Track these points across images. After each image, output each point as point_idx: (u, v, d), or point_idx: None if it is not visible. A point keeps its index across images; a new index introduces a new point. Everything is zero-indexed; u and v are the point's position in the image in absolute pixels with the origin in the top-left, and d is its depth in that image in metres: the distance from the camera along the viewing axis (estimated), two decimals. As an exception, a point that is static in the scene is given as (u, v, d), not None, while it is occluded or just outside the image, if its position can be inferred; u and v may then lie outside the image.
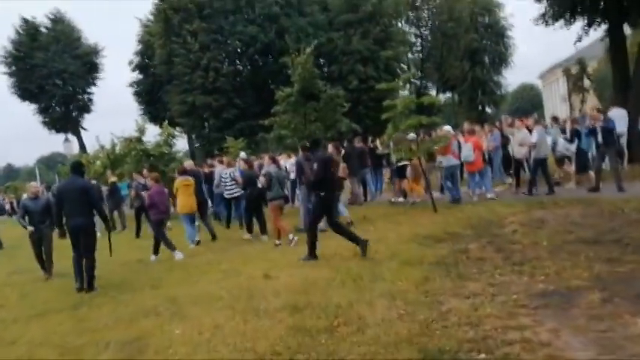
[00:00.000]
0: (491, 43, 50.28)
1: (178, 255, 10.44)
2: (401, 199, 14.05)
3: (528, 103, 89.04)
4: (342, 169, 11.59)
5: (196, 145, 42.20)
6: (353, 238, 8.23)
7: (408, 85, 38.19)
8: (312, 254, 8.28)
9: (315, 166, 8.37)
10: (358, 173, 14.72)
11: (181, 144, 40.20)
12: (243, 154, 15.38)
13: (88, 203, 8.53)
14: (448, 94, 53.19)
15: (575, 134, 13.31)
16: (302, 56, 15.39)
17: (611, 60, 17.02)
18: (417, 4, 44.84)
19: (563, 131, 14.12)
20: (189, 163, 14.25)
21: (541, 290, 5.45)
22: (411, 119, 11.34)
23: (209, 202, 14.30)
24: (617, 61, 16.37)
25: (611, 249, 6.80)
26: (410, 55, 44.59)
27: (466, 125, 14.26)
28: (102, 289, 8.48)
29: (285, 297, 6.06)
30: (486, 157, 13.58)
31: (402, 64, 40.00)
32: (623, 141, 13.36)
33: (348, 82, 34.85)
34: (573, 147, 13.29)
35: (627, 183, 12.10)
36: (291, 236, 10.34)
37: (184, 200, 11.80)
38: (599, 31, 17.39)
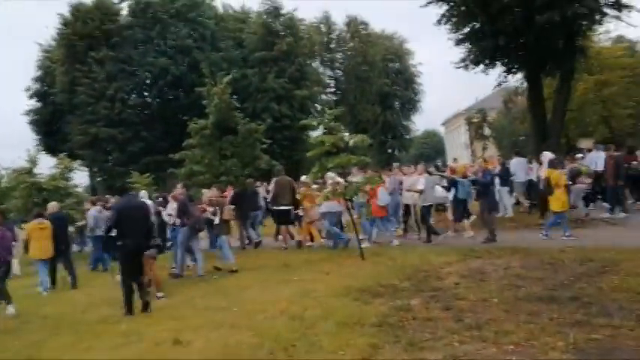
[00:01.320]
0: (401, 89, 51.71)
1: (10, 310, 9.25)
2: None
3: (432, 149, 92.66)
4: (227, 211, 11.50)
5: (98, 179, 39.25)
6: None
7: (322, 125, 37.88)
8: (128, 309, 7.89)
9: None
10: (249, 216, 13.85)
11: (81, 178, 37.17)
12: (143, 193, 13.73)
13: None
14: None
15: (453, 183, 13.00)
16: (219, 86, 14.19)
17: (530, 108, 17.30)
18: (331, 45, 45.29)
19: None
20: (52, 205, 12.58)
21: (516, 365, 4.54)
22: (339, 158, 10.44)
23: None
24: (535, 109, 16.60)
25: (572, 309, 6.07)
26: (324, 97, 44.57)
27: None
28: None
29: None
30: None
31: (316, 104, 39.77)
32: (523, 189, 13.11)
33: (262, 119, 33.92)
34: (450, 195, 13.10)
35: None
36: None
37: (37, 245, 11.33)
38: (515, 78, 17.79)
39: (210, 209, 11.30)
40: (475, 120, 55.44)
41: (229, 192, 14.12)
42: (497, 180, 15.44)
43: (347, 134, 11.02)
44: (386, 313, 6.57)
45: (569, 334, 5.16)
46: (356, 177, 12.33)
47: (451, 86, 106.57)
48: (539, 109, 16.49)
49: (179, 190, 11.33)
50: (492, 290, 7.29)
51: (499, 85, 17.98)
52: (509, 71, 17.12)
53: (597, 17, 15.44)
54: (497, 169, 15.65)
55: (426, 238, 12.51)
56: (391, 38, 51.89)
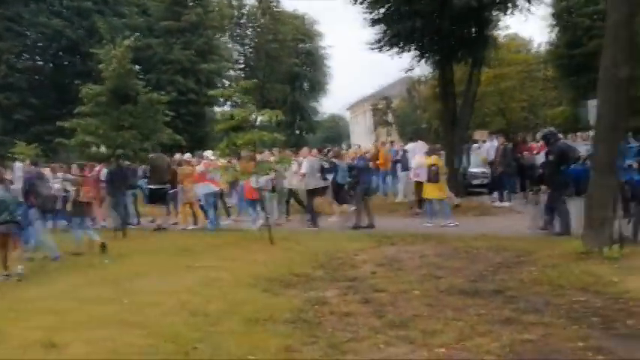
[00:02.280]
0: (310, 70, 51.15)
1: None
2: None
3: (337, 133, 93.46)
4: (85, 192, 10.32)
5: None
6: None
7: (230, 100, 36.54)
8: None
9: None
10: (118, 196, 12.71)
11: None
12: (18, 165, 12.12)
13: None
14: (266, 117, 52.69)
15: (334, 168, 12.73)
16: (118, 49, 12.71)
17: (440, 94, 17.21)
18: (241, 21, 43.72)
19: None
20: None
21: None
22: (250, 134, 9.59)
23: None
24: (445, 96, 16.55)
25: (499, 304, 5.71)
26: (232, 72, 43.00)
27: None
28: None
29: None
30: None
31: (224, 80, 38.22)
32: (421, 171, 13.03)
33: (166, 93, 31.98)
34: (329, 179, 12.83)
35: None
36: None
37: None
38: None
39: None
40: (380, 106, 56.35)
41: (101, 169, 12.93)
42: (398, 165, 16.07)
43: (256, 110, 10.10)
44: (300, 307, 5.90)
45: (501, 334, 4.75)
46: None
47: (354, 71, 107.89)
48: (450, 96, 16.46)
49: (26, 166, 9.91)
50: (412, 281, 6.85)
51: (411, 69, 17.87)
52: (422, 56, 16.94)
53: (509, 6, 15.59)
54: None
55: (312, 222, 12.24)
56: (302, 18, 51.07)
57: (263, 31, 43.31)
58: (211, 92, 11.17)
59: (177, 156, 13.41)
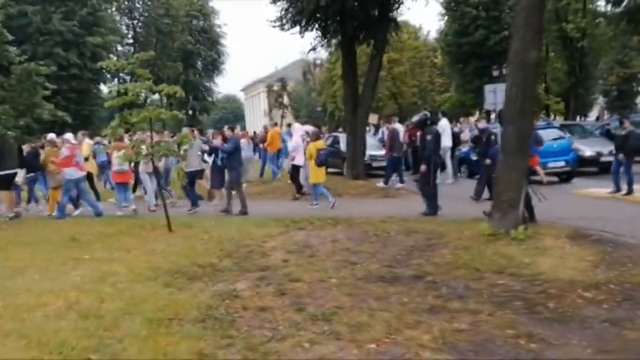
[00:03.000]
0: (205, 48, 49.38)
1: None
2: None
3: (232, 114, 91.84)
4: None
5: None
6: None
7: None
8: None
9: None
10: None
11: None
12: None
13: None
14: (156, 96, 50.30)
15: (213, 150, 12.16)
16: (-17, 11, 11.01)
17: (343, 76, 16.97)
18: (130, -8, 41.11)
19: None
20: None
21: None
22: (147, 110, 8.69)
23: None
24: (348, 78, 16.35)
25: (421, 291, 5.48)
26: (120, 47, 40.37)
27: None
28: None
29: None
30: None
31: (111, 55, 35.70)
32: (298, 155, 12.94)
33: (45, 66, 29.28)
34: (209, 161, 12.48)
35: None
36: None
37: None
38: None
39: None
40: (275, 88, 55.93)
41: None
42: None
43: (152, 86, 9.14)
44: (208, 302, 5.29)
45: (430, 324, 4.48)
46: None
47: (251, 51, 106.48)
48: (352, 78, 16.29)
49: None
50: (327, 269, 6.46)
51: (313, 48, 17.50)
52: (324, 36, 16.60)
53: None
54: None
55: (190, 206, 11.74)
56: (196, -6, 49.05)
57: (154, 4, 40.95)
58: (102, 63, 9.97)
59: (68, 136, 12.06)
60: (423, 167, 10.29)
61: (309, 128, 13.56)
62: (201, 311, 5.03)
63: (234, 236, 8.46)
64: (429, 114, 11.82)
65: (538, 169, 10.32)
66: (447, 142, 14.71)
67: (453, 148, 15.76)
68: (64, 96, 29.39)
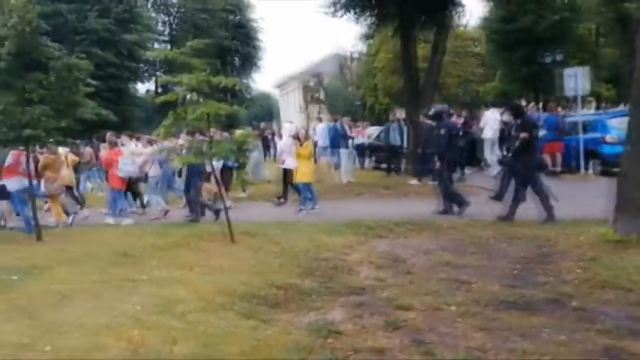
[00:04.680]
0: (241, 44, 48.55)
1: None
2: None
3: (267, 111, 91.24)
4: None
5: None
6: None
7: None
8: None
9: None
10: None
11: None
12: None
13: None
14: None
15: None
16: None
17: (403, 64, 15.58)
18: (165, -13, 40.59)
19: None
20: None
21: None
22: (204, 105, 7.64)
23: None
24: (407, 66, 15.06)
25: (574, 323, 4.26)
26: (156, 45, 39.86)
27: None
28: None
29: None
30: None
31: (147, 52, 35.16)
32: (287, 158, 11.81)
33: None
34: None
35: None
36: None
37: None
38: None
39: None
40: (311, 84, 54.84)
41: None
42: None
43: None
44: (305, 342, 4.17)
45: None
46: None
47: (277, 47, 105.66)
48: (412, 66, 15.01)
49: None
50: (436, 291, 5.29)
51: (371, 37, 16.31)
52: (380, 22, 15.36)
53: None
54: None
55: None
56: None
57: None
58: (149, 54, 9.10)
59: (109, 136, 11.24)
60: (437, 163, 9.71)
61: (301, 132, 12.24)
62: (301, 355, 3.93)
63: (308, 248, 7.33)
64: (447, 107, 11.53)
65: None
66: (488, 133, 14.01)
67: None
68: (102, 96, 28.87)
